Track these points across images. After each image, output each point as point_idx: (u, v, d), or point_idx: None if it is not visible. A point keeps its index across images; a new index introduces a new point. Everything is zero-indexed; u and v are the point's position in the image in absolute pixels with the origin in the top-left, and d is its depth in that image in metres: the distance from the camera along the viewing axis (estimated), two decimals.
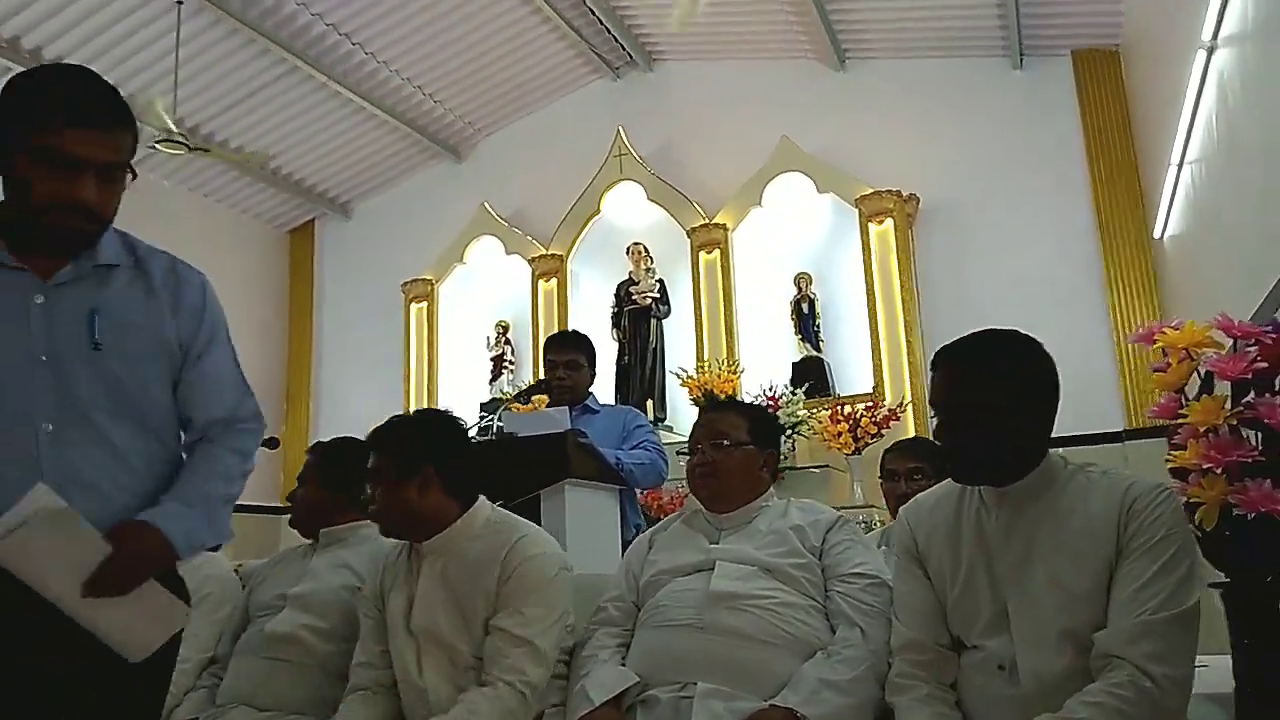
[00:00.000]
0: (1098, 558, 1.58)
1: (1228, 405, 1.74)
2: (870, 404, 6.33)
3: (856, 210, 6.92)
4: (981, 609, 1.67)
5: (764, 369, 6.96)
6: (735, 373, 7.03)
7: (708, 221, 7.39)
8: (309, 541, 2.48)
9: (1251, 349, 1.77)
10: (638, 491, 3.41)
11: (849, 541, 1.96)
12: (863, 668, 1.76)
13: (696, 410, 5.88)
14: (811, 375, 6.91)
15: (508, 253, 8.14)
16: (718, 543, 2.03)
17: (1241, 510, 1.62)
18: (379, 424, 2.16)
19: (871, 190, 6.86)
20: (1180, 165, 4.77)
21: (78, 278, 1.53)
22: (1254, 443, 1.70)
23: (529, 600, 1.97)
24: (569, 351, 3.39)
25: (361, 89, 7.53)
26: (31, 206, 1.45)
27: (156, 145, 6.28)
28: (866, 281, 6.81)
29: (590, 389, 3.44)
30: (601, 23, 7.43)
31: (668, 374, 7.36)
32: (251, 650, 2.27)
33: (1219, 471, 1.66)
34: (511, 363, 8.07)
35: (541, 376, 3.43)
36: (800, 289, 7.20)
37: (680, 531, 2.13)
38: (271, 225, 9.14)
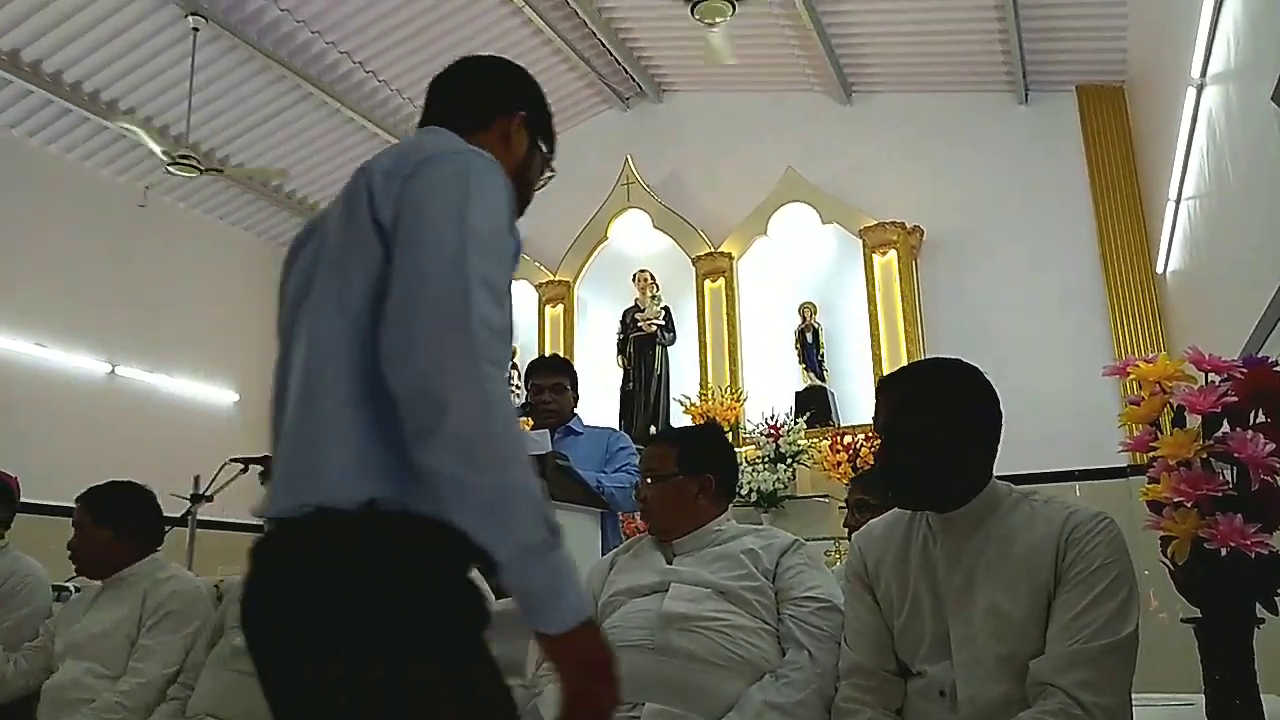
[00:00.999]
0: (1036, 585, 1.59)
1: (1200, 439, 1.75)
2: (870, 434, 6.33)
3: (860, 241, 6.96)
4: (925, 635, 1.68)
5: (767, 397, 6.97)
6: (739, 400, 7.05)
7: (713, 250, 7.44)
8: None
9: (1223, 383, 1.79)
10: (620, 515, 3.42)
11: (802, 565, 1.97)
12: (808, 690, 1.77)
13: None
14: (814, 405, 6.93)
15: (515, 278, 8.20)
16: (673, 565, 2.05)
17: (1213, 545, 1.62)
18: None
19: (875, 222, 6.89)
20: (1178, 201, 4.78)
21: None
22: (1226, 477, 1.70)
23: None
24: (554, 375, 3.43)
25: (375, 115, 7.65)
26: None
27: (170, 169, 6.40)
28: (870, 312, 6.83)
29: (574, 410, 3.48)
30: (611, 54, 7.53)
31: (672, 401, 7.39)
32: (221, 663, 2.29)
33: (1190, 505, 1.67)
34: (516, 386, 8.11)
35: (526, 401, 3.47)
36: (804, 318, 7.23)
37: (640, 553, 2.15)
38: (285, 248, 9.23)
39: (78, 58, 6.47)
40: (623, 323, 7.74)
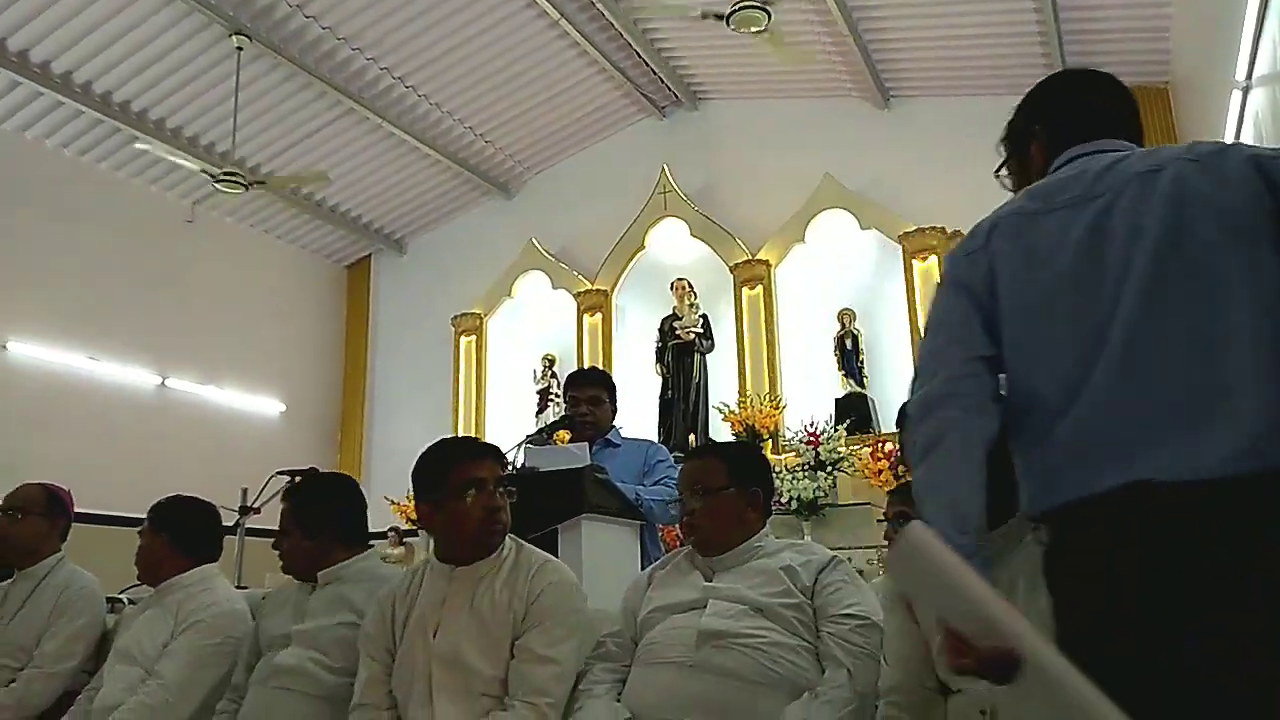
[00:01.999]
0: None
1: None
2: None
3: (900, 247, 6.91)
4: None
5: (806, 405, 6.95)
6: (778, 408, 7.03)
7: (751, 258, 7.44)
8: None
9: None
10: (659, 527, 3.43)
11: (841, 582, 1.96)
12: (848, 709, 1.77)
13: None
14: (854, 412, 6.89)
15: (554, 287, 8.28)
16: (712, 581, 2.05)
17: None
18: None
19: (915, 227, 6.84)
20: None
21: None
22: None
23: (556, 621, 2.03)
24: (592, 388, 3.44)
25: (415, 129, 7.76)
26: None
27: (216, 186, 6.53)
28: (910, 318, 6.78)
29: (614, 423, 3.49)
30: (647, 64, 7.56)
31: (710, 409, 7.38)
32: (260, 681, 2.34)
33: None
34: (557, 395, 8.16)
35: (564, 413, 3.49)
36: (843, 325, 7.19)
37: (678, 568, 2.15)
38: (330, 260, 9.42)
39: (127, 77, 6.64)
40: (661, 331, 7.76)
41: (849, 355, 7.14)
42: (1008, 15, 6.38)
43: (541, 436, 3.72)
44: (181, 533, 2.70)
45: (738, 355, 7.39)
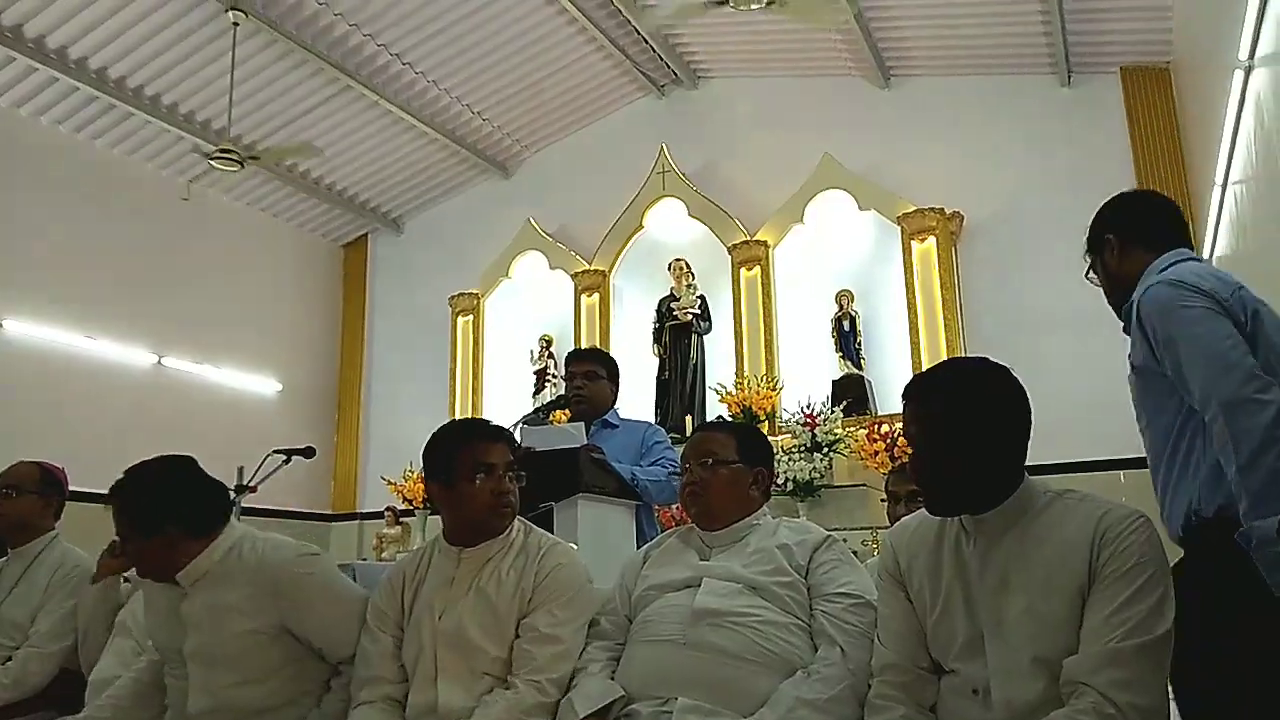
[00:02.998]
0: (1071, 585, 1.57)
1: None
2: None
3: (899, 228, 6.89)
4: (958, 633, 1.68)
5: (804, 386, 6.94)
6: (775, 389, 7.03)
7: (749, 238, 7.41)
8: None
9: None
10: (655, 508, 3.43)
11: (835, 561, 1.97)
12: (841, 687, 1.77)
13: None
14: (852, 393, 6.88)
15: (551, 268, 8.25)
16: (708, 560, 2.06)
17: None
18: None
19: (914, 208, 6.82)
20: (1225, 186, 4.67)
21: None
22: None
23: (561, 601, 2.05)
24: (586, 363, 3.45)
25: (412, 107, 7.71)
26: None
27: (212, 163, 6.49)
28: (908, 299, 6.77)
29: (614, 405, 3.49)
30: (646, 41, 7.51)
31: (708, 390, 7.38)
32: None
33: None
34: (554, 376, 8.16)
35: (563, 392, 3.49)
36: (841, 306, 7.18)
37: (674, 548, 2.16)
38: (327, 239, 9.38)
39: (121, 54, 6.59)
40: (658, 312, 7.74)
41: (846, 336, 7.13)
42: None
43: (538, 416, 3.72)
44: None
45: (735, 336, 7.37)
